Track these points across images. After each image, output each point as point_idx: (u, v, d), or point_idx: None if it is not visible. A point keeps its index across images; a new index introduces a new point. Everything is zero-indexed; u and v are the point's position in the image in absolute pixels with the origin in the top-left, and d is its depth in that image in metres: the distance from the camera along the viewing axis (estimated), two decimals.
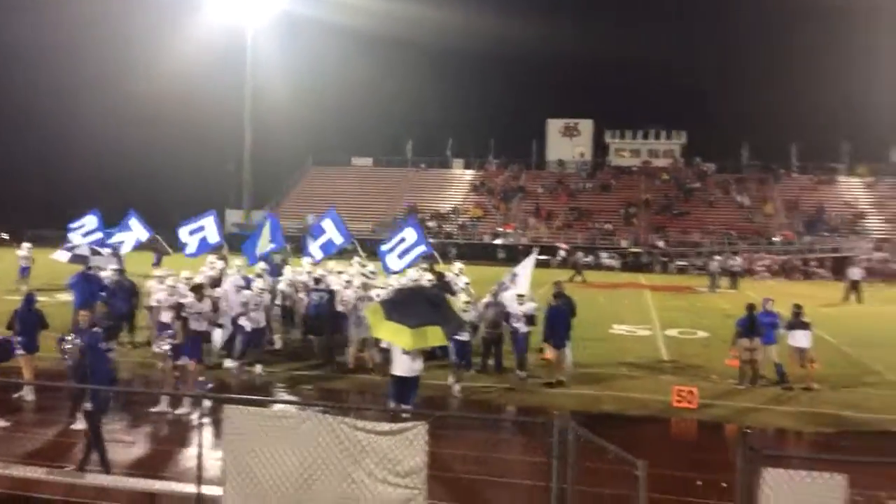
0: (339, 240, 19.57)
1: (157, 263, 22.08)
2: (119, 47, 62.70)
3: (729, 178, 62.43)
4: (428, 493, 6.06)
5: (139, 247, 22.84)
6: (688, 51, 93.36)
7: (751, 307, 14.18)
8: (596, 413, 11.73)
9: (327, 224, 19.85)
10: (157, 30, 59.85)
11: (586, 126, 72.13)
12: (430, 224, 57.53)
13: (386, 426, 6.68)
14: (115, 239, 22.10)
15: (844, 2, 69.05)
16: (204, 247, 20.28)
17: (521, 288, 14.45)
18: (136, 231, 22.48)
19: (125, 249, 21.76)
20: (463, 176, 67.29)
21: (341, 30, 62.49)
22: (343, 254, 20.92)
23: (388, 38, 66.31)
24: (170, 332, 11.83)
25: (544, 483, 5.92)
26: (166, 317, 12.50)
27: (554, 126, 72.31)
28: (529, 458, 8.80)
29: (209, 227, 20.54)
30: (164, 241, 24.80)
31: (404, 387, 9.68)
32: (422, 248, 18.80)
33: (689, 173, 64.37)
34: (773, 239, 51.83)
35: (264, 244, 19.41)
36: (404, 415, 8.04)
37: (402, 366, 9.72)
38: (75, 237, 22.47)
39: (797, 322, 14.05)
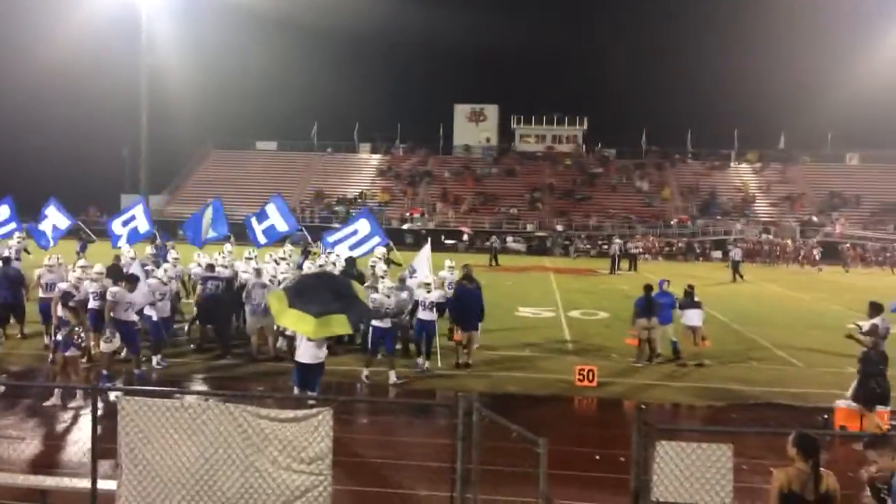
0: (283, 226, 19.08)
1: (82, 252, 20.71)
2: (2, 23, 58.94)
3: (629, 163, 64.48)
4: (333, 479, 6.03)
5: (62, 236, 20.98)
6: (589, 39, 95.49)
7: (647, 288, 14.72)
8: (502, 394, 11.95)
9: (271, 209, 19.33)
10: (48, 6, 56.60)
11: (492, 112, 72.95)
12: (338, 209, 57.01)
13: (290, 413, 6.59)
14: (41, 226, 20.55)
15: None
16: (135, 236, 19.42)
17: (424, 276, 14.21)
18: (53, 219, 20.70)
19: (46, 240, 20.03)
20: (370, 160, 66.88)
21: (244, 11, 60.79)
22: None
23: (294, 21, 65.05)
24: (108, 332, 11.61)
25: (450, 464, 6.00)
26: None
27: (460, 111, 72.78)
28: (435, 441, 8.89)
29: (139, 217, 19.70)
30: (87, 229, 23.47)
31: (309, 374, 9.59)
32: (376, 240, 18.12)
33: (591, 159, 66.12)
34: (671, 222, 53.96)
35: (206, 229, 19.05)
36: (309, 401, 7.95)
37: (307, 353, 9.61)
38: None
39: (689, 302, 14.70)
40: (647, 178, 61.47)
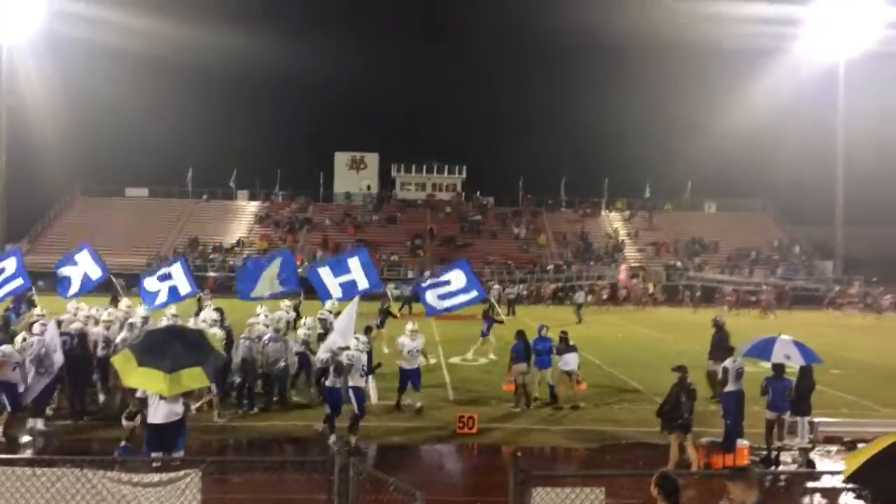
0: (363, 283, 16.82)
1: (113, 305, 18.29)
2: None
3: (507, 211, 66.29)
4: None
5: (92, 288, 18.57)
6: (469, 90, 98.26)
7: (521, 333, 15.06)
8: (384, 445, 11.79)
9: (354, 263, 17.26)
10: None
11: (373, 160, 73.43)
12: (214, 256, 55.29)
13: (155, 477, 6.24)
14: (62, 272, 18.21)
15: (608, 50, 76.27)
16: (174, 297, 17.21)
17: (344, 338, 12.65)
18: (85, 266, 18.15)
19: (72, 291, 17.70)
20: (247, 207, 65.47)
21: (116, 50, 58.59)
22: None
23: (169, 62, 63.33)
24: None
25: None
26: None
27: (341, 159, 72.84)
28: (311, 497, 8.62)
29: (178, 276, 17.37)
30: (119, 283, 20.86)
31: (166, 434, 9.00)
32: (473, 294, 16.06)
33: (471, 206, 67.51)
34: (547, 267, 55.64)
35: (271, 282, 16.79)
36: (174, 463, 7.54)
37: (160, 412, 9.01)
38: None
39: (566, 346, 15.14)
40: (524, 225, 63.32)
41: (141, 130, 66.73)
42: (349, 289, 16.68)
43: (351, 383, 11.65)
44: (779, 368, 11.60)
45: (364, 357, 12.01)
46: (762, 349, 11.94)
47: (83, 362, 13.26)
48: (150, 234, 58.20)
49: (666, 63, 70.31)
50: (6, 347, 11.51)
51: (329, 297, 17.15)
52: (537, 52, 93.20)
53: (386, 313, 22.04)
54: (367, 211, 65.78)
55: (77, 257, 18.42)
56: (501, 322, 20.27)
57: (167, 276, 17.25)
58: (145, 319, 15.05)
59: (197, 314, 17.32)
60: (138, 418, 10.51)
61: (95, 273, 18.18)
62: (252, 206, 65.57)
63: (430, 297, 16.07)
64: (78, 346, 13.22)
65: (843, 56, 56.46)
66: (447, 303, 15.94)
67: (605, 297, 47.83)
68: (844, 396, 16.05)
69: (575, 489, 6.49)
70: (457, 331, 27.21)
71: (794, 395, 11.36)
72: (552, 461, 11.47)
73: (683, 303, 45.93)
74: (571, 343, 15.26)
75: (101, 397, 13.86)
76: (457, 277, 16.16)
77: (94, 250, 18.84)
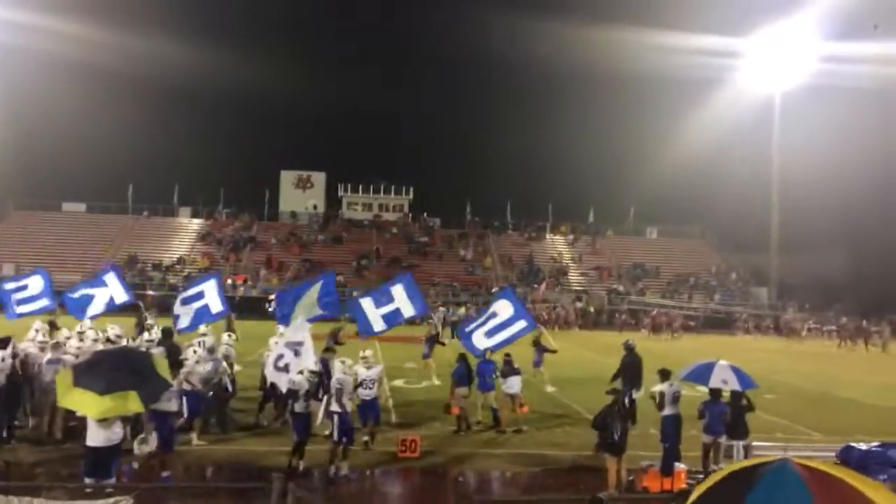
0: (409, 311, 15.98)
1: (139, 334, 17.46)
2: None
3: (453, 233, 66.54)
4: None
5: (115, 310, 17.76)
6: (416, 112, 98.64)
7: (463, 357, 15.07)
8: (316, 468, 11.60)
9: (398, 291, 16.30)
10: None
11: (319, 179, 73.02)
12: (153, 274, 54.04)
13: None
14: (78, 294, 17.41)
15: (556, 78, 77.72)
16: (203, 317, 16.44)
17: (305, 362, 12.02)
18: (112, 290, 17.45)
19: (93, 311, 16.98)
20: (189, 225, 64.26)
21: (54, 61, 57.04)
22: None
23: (111, 75, 61.91)
24: None
25: None
26: None
27: (287, 178, 72.23)
28: None
29: (210, 294, 16.55)
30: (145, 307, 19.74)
31: (101, 458, 8.71)
32: (522, 325, 15.21)
33: (417, 228, 67.56)
34: (492, 290, 55.89)
35: (311, 307, 15.62)
36: (107, 489, 7.27)
37: (97, 436, 8.70)
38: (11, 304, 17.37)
39: (510, 369, 15.18)
40: (471, 248, 63.61)
41: (80, 143, 64.95)
42: (393, 318, 15.90)
43: (297, 409, 11.42)
44: (715, 393, 11.84)
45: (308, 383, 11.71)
46: (700, 374, 12.21)
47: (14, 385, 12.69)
48: (86, 251, 56.60)
49: (611, 92, 71.86)
50: None
51: (371, 331, 16.11)
52: (485, 78, 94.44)
53: (434, 341, 21.69)
54: (313, 230, 65.22)
55: (105, 278, 17.83)
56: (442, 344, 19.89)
57: (198, 297, 16.45)
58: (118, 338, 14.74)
59: (139, 334, 16.68)
60: (152, 443, 10.33)
61: (121, 297, 17.64)
62: (194, 224, 64.40)
63: (477, 339, 15.19)
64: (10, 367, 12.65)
65: (779, 88, 58.63)
66: (498, 338, 15.04)
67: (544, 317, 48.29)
68: (778, 421, 16.45)
69: None
70: (400, 353, 27.09)
71: (729, 418, 11.60)
72: (494, 485, 11.44)
73: (619, 327, 46.82)
74: (516, 366, 15.32)
75: (30, 420, 13.34)
76: (504, 308, 15.42)
77: (121, 271, 18.26)
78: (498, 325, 15.25)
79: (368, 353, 13.37)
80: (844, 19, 53.21)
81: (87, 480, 8.55)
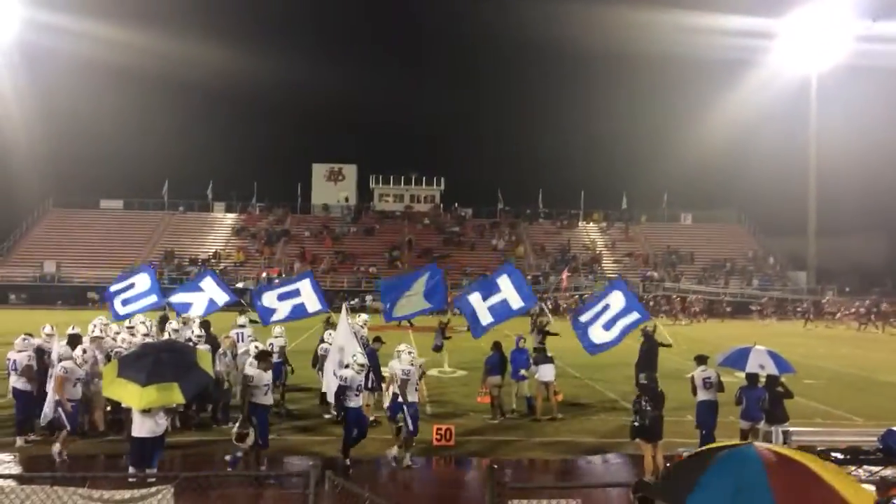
0: (517, 303, 15.62)
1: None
2: None
3: (485, 222, 66.46)
4: None
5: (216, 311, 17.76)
6: (447, 103, 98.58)
7: (497, 345, 15.06)
8: (361, 458, 11.71)
9: (207, 284, 16.86)
10: None
11: (350, 171, 73.42)
12: (190, 269, 54.86)
13: (126, 493, 6.15)
14: (177, 299, 17.64)
15: (586, 63, 76.89)
16: (300, 314, 16.26)
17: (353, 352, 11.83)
18: (210, 293, 17.46)
19: (195, 312, 16.82)
20: (224, 220, 65.12)
21: (91, 60, 58.23)
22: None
23: (145, 74, 63.24)
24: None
25: None
26: None
27: (318, 171, 72.75)
28: None
29: (306, 293, 16.21)
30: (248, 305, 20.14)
31: (145, 448, 8.95)
32: (636, 317, 14.86)
33: (449, 218, 67.60)
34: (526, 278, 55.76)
35: (419, 301, 15.45)
36: (149, 479, 7.43)
37: (143, 426, 8.94)
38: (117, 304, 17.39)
39: (543, 357, 15.16)
40: (502, 237, 63.48)
41: (116, 142, 66.39)
42: (501, 311, 15.46)
43: (352, 404, 11.17)
44: (752, 378, 11.71)
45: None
46: (737, 359, 12.13)
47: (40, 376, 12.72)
48: (124, 247, 57.64)
49: (642, 75, 71.13)
50: (68, 363, 11.23)
51: (479, 327, 15.63)
52: (516, 66, 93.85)
53: (442, 333, 21.06)
54: (346, 223, 65.66)
55: (202, 284, 17.85)
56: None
57: (294, 294, 16.26)
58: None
59: (162, 329, 16.14)
60: (249, 439, 10.41)
61: (222, 298, 17.66)
62: (229, 219, 65.22)
63: (595, 333, 14.77)
64: (36, 361, 12.68)
65: (815, 69, 57.42)
66: (616, 330, 14.64)
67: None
68: (818, 406, 16.22)
69: (552, 501, 6.50)
70: (427, 341, 27.18)
71: (767, 404, 11.46)
72: (529, 473, 11.45)
73: (654, 313, 46.44)
74: (549, 354, 15.29)
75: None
76: (616, 299, 14.97)
77: (217, 275, 18.33)
78: (613, 317, 14.83)
79: (403, 346, 13.22)
80: None
81: (132, 471, 8.76)
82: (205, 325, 15.37)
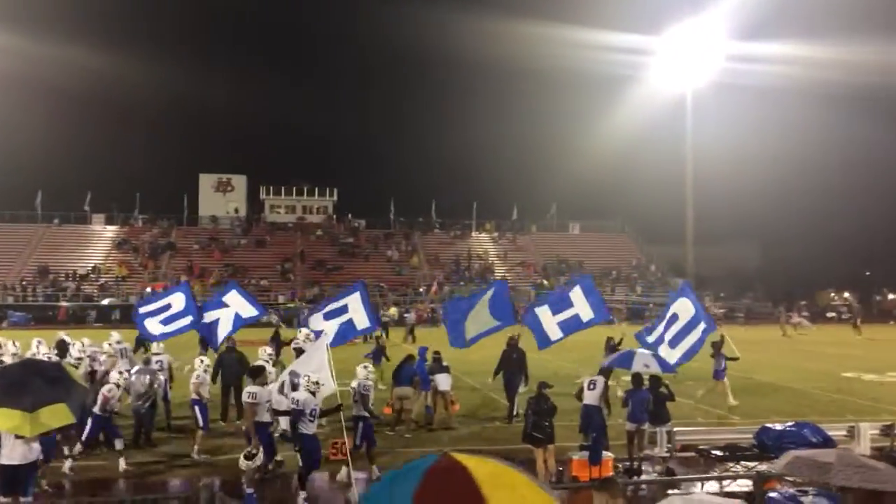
0: (248, 313, 15.58)
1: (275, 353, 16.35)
2: None
3: (379, 233, 66.30)
4: None
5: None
6: (339, 114, 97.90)
7: (408, 358, 15.11)
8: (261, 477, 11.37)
9: (232, 298, 15.67)
10: None
11: (240, 182, 71.56)
12: (68, 285, 51.95)
13: None
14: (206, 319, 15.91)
15: (477, 77, 78.12)
16: (348, 334, 15.04)
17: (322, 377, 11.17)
18: (236, 307, 15.95)
19: (223, 332, 15.63)
20: (104, 232, 62.06)
21: None
22: None
23: (17, 77, 59.11)
24: None
25: None
26: None
27: (206, 181, 70.51)
28: None
29: (354, 308, 14.91)
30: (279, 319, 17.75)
31: (18, 476, 8.31)
32: (702, 328, 14.28)
33: (342, 229, 67.04)
34: (419, 289, 55.96)
35: (485, 321, 14.62)
36: None
37: (14, 453, 8.32)
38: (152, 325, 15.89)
39: (438, 367, 15.23)
40: (397, 248, 63.51)
41: None
42: (571, 325, 14.85)
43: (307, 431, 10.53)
44: (637, 382, 12.15)
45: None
46: (623, 360, 12.66)
47: None
48: None
49: (529, 89, 73.04)
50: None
51: (547, 342, 15.14)
52: (410, 78, 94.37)
53: (380, 354, 19.67)
54: (235, 235, 63.94)
55: (226, 298, 16.24)
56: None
57: (342, 311, 14.94)
58: None
59: (60, 355, 15.17)
60: (257, 459, 10.12)
61: (248, 311, 16.10)
62: (109, 231, 62.22)
63: (665, 351, 13.99)
64: None
65: (690, 86, 60.61)
66: (683, 346, 14.18)
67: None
68: (699, 406, 17.01)
69: None
70: (350, 354, 26.78)
71: (651, 406, 11.93)
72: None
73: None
74: (445, 364, 15.37)
75: None
76: (685, 309, 14.39)
77: (243, 288, 16.68)
78: (680, 330, 14.27)
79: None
80: (749, 19, 55.44)
81: (2, 500, 8.15)
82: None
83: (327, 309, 15.22)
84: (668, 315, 14.62)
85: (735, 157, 60.73)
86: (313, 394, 10.50)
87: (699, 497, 3.75)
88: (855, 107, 61.84)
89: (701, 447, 12.14)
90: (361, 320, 14.70)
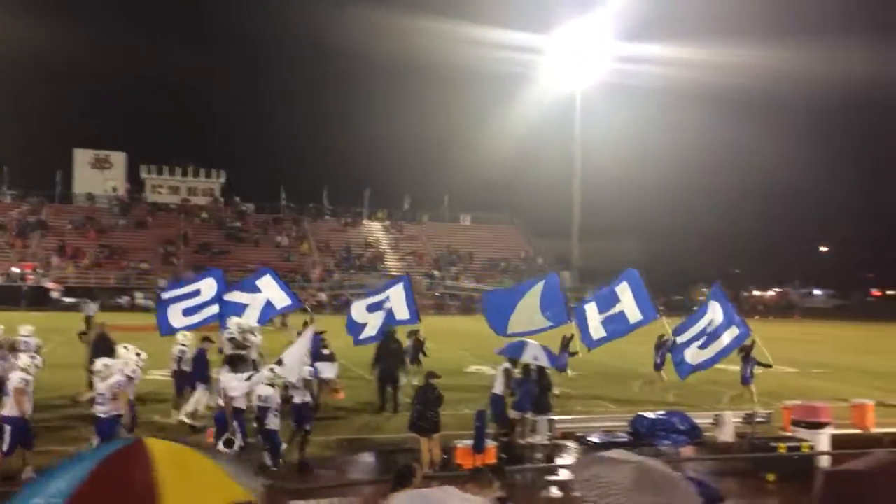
0: (282, 302, 14.80)
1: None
2: None
3: (268, 218, 64.81)
4: None
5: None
6: (229, 94, 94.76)
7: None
8: None
9: (265, 283, 14.59)
10: None
11: (119, 159, 68.22)
12: None
13: None
14: (230, 297, 14.55)
15: (373, 67, 77.49)
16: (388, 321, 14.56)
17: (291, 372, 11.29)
18: (269, 293, 14.73)
19: (252, 319, 14.10)
20: None
21: None
22: None
23: None
24: None
25: None
26: None
27: (82, 157, 66.81)
28: None
29: (396, 299, 14.59)
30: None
31: None
32: (735, 333, 14.32)
33: (230, 213, 65.12)
34: (310, 276, 55.16)
35: (532, 317, 14.03)
36: None
37: None
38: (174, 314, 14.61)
39: (322, 354, 15.02)
40: (286, 233, 62.30)
41: None
42: (618, 327, 14.79)
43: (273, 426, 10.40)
44: (527, 372, 12.44)
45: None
46: (513, 350, 12.92)
47: None
48: None
49: (425, 83, 73.26)
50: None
51: (591, 342, 15.12)
52: (305, 63, 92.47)
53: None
54: (113, 214, 60.90)
55: (259, 282, 14.95)
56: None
57: (384, 302, 14.64)
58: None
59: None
60: (236, 444, 9.85)
61: (282, 301, 15.00)
62: None
63: (692, 354, 14.23)
64: None
65: (579, 84, 62.48)
66: (712, 350, 14.18)
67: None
68: (580, 396, 17.60)
69: (332, 500, 6.45)
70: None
71: (535, 395, 12.25)
72: (308, 473, 11.27)
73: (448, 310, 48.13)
74: (327, 351, 15.19)
75: None
76: (717, 312, 14.34)
77: (278, 275, 15.61)
78: (712, 333, 14.18)
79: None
80: (635, 21, 57.66)
81: None
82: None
83: (371, 301, 15.11)
84: (705, 319, 14.57)
85: (620, 155, 63.16)
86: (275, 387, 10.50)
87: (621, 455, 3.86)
88: (727, 108, 65.80)
89: (578, 434, 12.58)
90: (401, 311, 14.77)
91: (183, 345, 14.43)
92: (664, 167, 70.91)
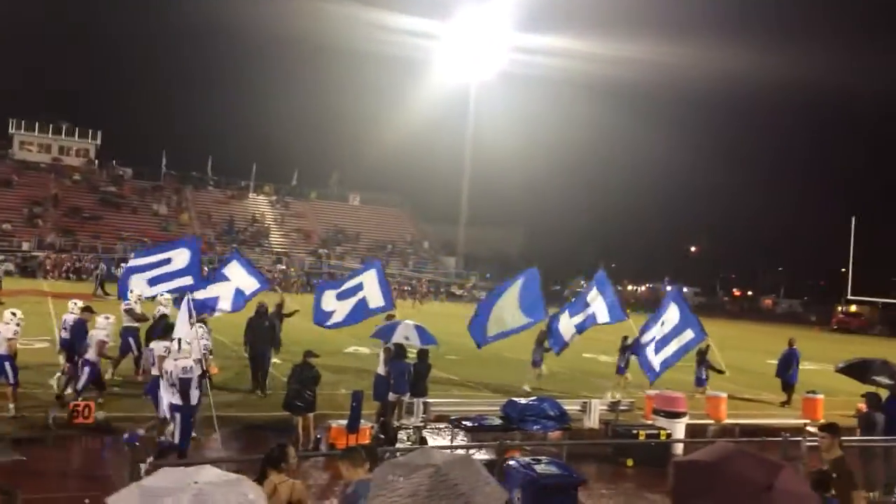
0: (251, 287, 14.74)
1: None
2: None
3: (146, 185, 62.13)
4: None
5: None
6: (110, 50, 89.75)
7: (162, 317, 14.32)
8: None
9: (232, 270, 14.24)
10: None
11: None
12: None
13: None
14: (202, 294, 13.77)
15: (266, 43, 75.45)
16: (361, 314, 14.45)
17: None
18: (237, 281, 14.48)
19: (222, 308, 14.45)
20: None
21: None
22: None
23: None
24: None
25: None
26: None
27: None
28: None
29: (369, 286, 14.33)
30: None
31: None
32: (690, 336, 14.48)
33: (105, 176, 61.97)
34: None
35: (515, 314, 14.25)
36: None
37: None
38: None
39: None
40: (165, 202, 59.94)
41: None
42: (587, 324, 15.55)
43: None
44: (401, 352, 12.62)
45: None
46: (385, 332, 13.07)
47: None
48: None
49: (321, 61, 72.24)
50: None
51: (563, 344, 15.85)
52: (194, 30, 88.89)
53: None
54: None
55: (226, 271, 14.57)
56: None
57: (357, 289, 14.20)
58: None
59: None
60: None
61: (251, 285, 14.78)
62: None
63: (650, 355, 14.11)
64: None
65: (473, 74, 63.23)
66: (667, 352, 14.11)
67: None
68: (454, 379, 18.00)
69: (229, 473, 6.40)
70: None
71: (412, 377, 12.46)
72: (197, 448, 11.02)
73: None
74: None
75: None
76: (673, 314, 14.37)
77: (247, 260, 15.34)
78: (666, 335, 14.25)
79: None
80: (532, 12, 58.92)
81: None
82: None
83: (342, 289, 14.72)
84: (660, 321, 14.68)
85: (511, 146, 64.46)
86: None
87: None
88: (617, 103, 68.62)
89: (453, 418, 12.89)
90: (375, 299, 14.46)
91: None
92: (552, 159, 73.05)
